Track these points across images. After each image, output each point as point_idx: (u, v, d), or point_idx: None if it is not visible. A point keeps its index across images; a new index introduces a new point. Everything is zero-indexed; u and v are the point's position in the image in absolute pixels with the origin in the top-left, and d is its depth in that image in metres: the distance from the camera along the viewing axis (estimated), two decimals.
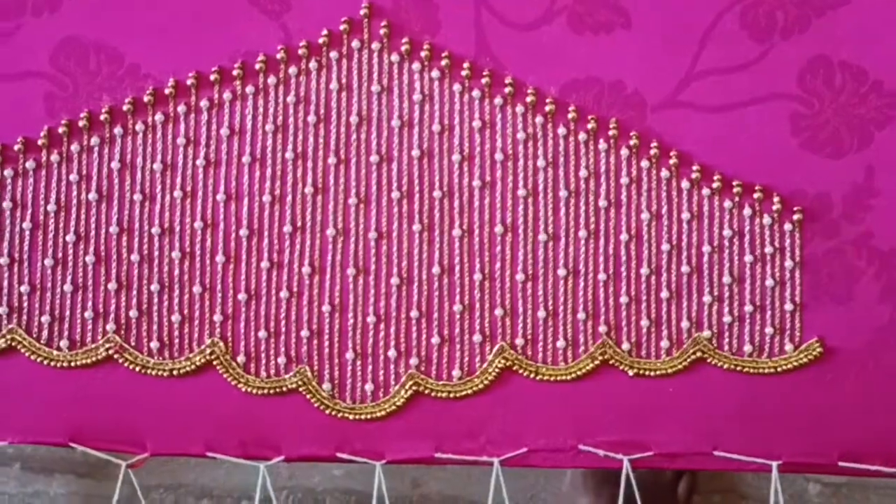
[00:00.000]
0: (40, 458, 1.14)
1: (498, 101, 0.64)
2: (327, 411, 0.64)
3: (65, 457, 1.14)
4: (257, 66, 0.64)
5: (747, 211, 0.64)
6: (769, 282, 0.64)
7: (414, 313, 0.64)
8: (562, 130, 0.64)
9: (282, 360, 0.64)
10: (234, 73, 0.64)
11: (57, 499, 1.23)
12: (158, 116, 0.64)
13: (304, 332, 0.64)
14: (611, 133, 0.64)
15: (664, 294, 0.64)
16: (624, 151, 0.64)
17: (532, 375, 0.64)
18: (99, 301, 0.64)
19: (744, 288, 0.65)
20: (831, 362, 0.64)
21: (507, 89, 0.64)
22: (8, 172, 0.63)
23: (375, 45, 0.64)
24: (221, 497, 1.26)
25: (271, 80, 0.64)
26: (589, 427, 0.64)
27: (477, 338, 0.64)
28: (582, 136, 0.64)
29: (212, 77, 0.64)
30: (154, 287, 0.64)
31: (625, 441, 0.64)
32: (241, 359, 0.64)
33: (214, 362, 0.64)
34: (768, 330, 0.64)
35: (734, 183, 0.64)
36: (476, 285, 0.64)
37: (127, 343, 0.64)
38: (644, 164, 0.64)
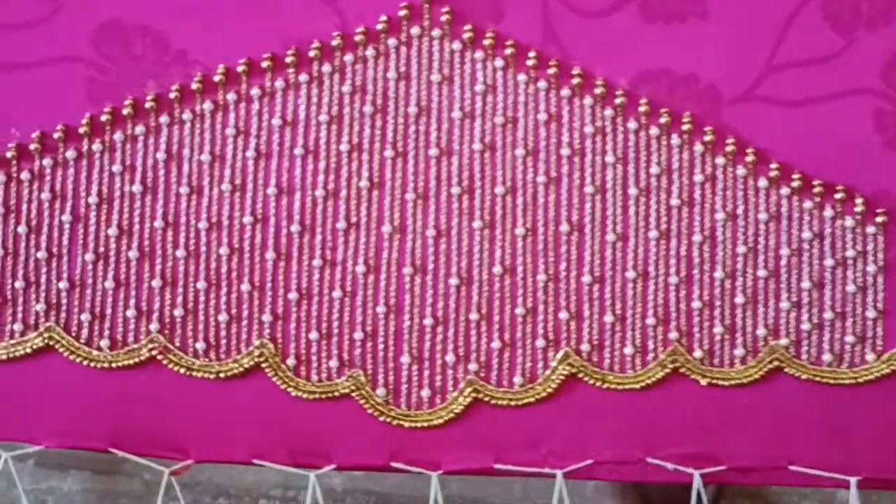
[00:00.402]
0: (55, 453, 1.12)
1: (565, 92, 0.61)
2: (381, 418, 0.61)
3: (80, 453, 1.12)
4: (311, 54, 0.60)
5: (828, 212, 0.61)
6: (851, 287, 0.61)
7: (474, 316, 0.61)
8: (632, 124, 0.61)
9: (334, 363, 0.61)
10: (287, 60, 0.60)
11: (72, 495, 1.21)
12: (207, 105, 0.60)
13: (358, 335, 0.61)
14: (684, 128, 0.61)
15: (739, 299, 0.61)
16: (698, 147, 0.61)
17: (598, 383, 0.61)
18: (142, 299, 0.60)
19: (823, 294, 0.61)
20: None
21: (575, 80, 0.61)
22: (47, 162, 0.60)
23: (436, 33, 0.61)
24: (238, 496, 1.24)
25: (326, 68, 0.60)
26: (658, 439, 0.61)
27: (540, 343, 0.61)
28: (654, 131, 0.61)
29: (263, 64, 0.60)
30: (200, 284, 0.60)
31: (695, 454, 0.61)
32: (290, 361, 0.60)
33: (263, 365, 0.60)
34: (849, 338, 0.61)
35: (815, 182, 0.61)
36: (540, 287, 0.61)
37: (171, 343, 0.60)
38: (719, 161, 0.61)
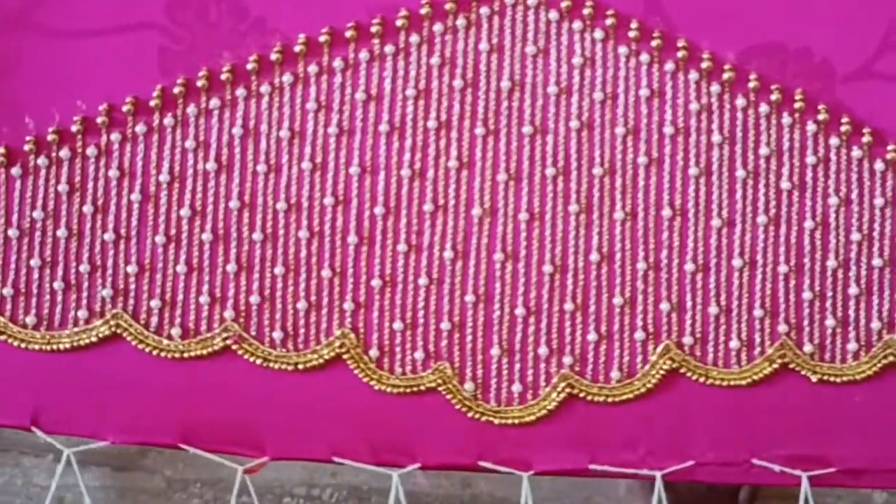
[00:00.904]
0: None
1: (669, 66, 0.57)
2: (469, 414, 0.57)
3: (100, 449, 1.10)
4: (398, 23, 0.56)
5: None
6: None
7: (568, 306, 0.57)
8: (741, 101, 0.57)
9: (419, 354, 0.57)
10: (373, 30, 0.56)
11: (91, 492, 1.18)
12: (286, 77, 0.56)
13: (445, 325, 0.57)
14: (796, 106, 0.57)
15: (853, 290, 0.57)
16: (811, 127, 0.57)
17: (701, 379, 0.57)
18: (216, 284, 0.57)
19: None
20: None
21: (680, 53, 0.57)
22: (115, 136, 0.56)
23: (532, 1, 0.57)
24: (262, 494, 1.21)
25: (413, 38, 0.57)
26: (764, 439, 0.57)
27: (639, 335, 0.57)
28: (763, 109, 0.57)
29: (347, 34, 0.56)
30: (278, 270, 0.57)
31: (804, 455, 0.57)
32: (373, 353, 0.57)
33: (344, 356, 0.57)
34: None
35: None
36: (639, 276, 0.57)
37: (246, 332, 0.56)
38: (833, 141, 0.57)
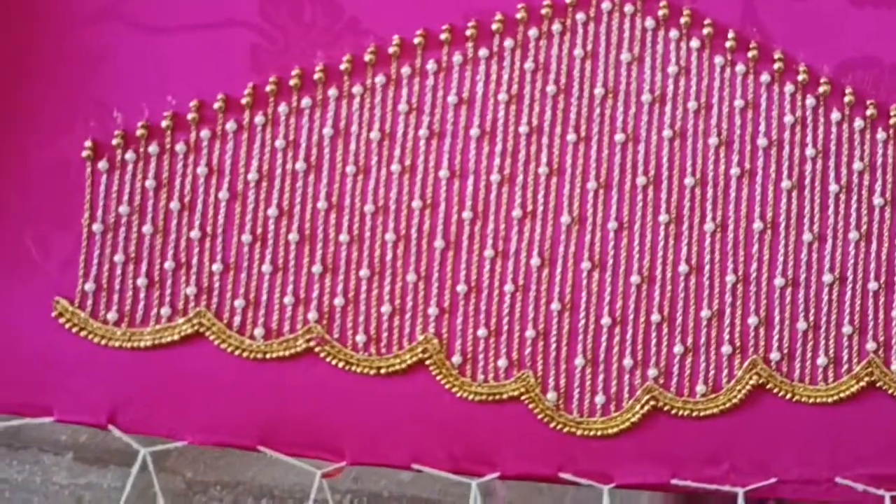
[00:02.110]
0: (95, 447, 1.08)
1: (765, 77, 0.56)
2: (551, 424, 0.56)
3: (121, 448, 1.08)
4: (494, 27, 0.56)
5: None
6: None
7: (655, 317, 0.56)
8: (835, 115, 0.56)
9: (502, 362, 0.56)
10: (467, 33, 0.56)
11: (110, 492, 1.16)
12: (379, 78, 0.56)
13: (530, 333, 0.56)
14: (892, 122, 0.56)
15: None
16: None
17: (787, 395, 0.56)
18: (300, 285, 0.56)
19: None
20: None
21: (776, 65, 0.56)
22: (205, 133, 0.56)
23: (628, 8, 0.56)
24: (283, 497, 1.20)
25: (508, 42, 0.56)
26: (848, 457, 0.56)
27: (726, 349, 0.56)
28: (858, 124, 0.56)
29: (442, 36, 0.56)
30: (364, 273, 0.56)
31: (887, 475, 0.56)
32: (456, 359, 0.56)
33: (427, 361, 0.56)
34: None
35: None
36: (728, 289, 0.56)
37: (330, 334, 0.56)
38: None
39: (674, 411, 0.56)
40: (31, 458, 1.10)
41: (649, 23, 0.56)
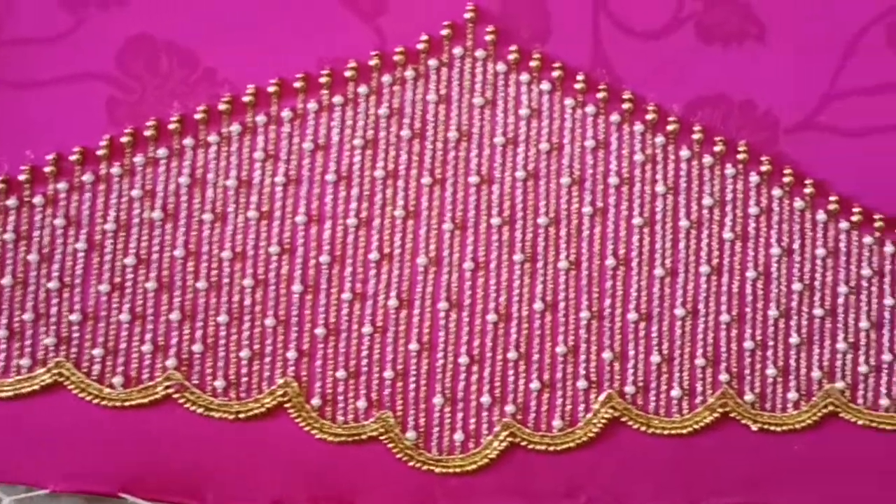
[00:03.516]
0: None
1: (614, 118, 0.57)
2: (410, 463, 0.57)
3: None
4: (347, 74, 0.57)
5: (889, 248, 0.58)
6: None
7: (512, 354, 0.57)
8: (685, 153, 0.57)
9: (362, 403, 0.57)
10: (322, 80, 0.57)
11: None
12: (235, 127, 0.56)
13: (388, 373, 0.57)
14: (740, 157, 0.58)
15: (794, 339, 0.57)
16: (754, 178, 0.58)
17: (643, 428, 0.57)
18: (159, 333, 0.56)
19: (882, 335, 0.58)
20: None
21: (626, 105, 0.57)
22: (62, 186, 0.56)
23: (480, 53, 0.57)
24: None
25: (362, 89, 0.57)
26: (705, 488, 0.57)
27: (582, 384, 0.57)
28: (707, 160, 0.57)
29: (296, 85, 0.56)
30: (222, 318, 0.56)
31: None
32: (315, 402, 0.57)
33: (286, 405, 0.56)
34: None
35: (875, 217, 0.58)
36: (582, 325, 0.57)
37: (189, 381, 0.56)
38: (776, 192, 0.58)
39: (531, 446, 0.57)
40: None
41: (500, 67, 0.57)
